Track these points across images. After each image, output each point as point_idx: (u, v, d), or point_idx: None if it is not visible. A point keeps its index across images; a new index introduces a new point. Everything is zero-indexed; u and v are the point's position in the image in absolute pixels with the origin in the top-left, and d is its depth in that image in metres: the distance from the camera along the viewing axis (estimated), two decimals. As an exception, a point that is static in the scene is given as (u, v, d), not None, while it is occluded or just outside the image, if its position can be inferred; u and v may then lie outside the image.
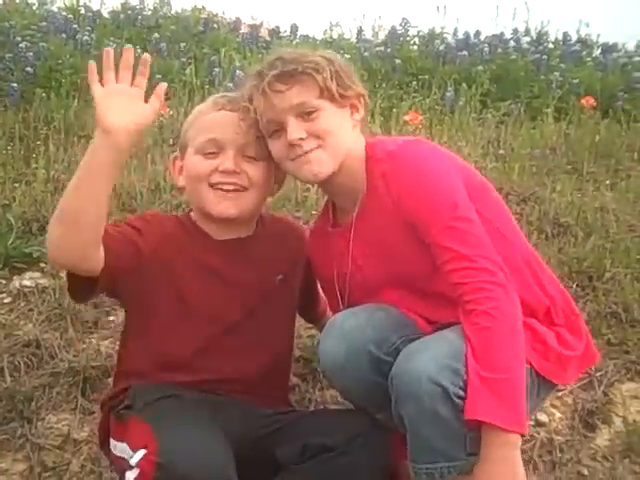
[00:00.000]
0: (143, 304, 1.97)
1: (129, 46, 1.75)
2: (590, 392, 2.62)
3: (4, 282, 3.01)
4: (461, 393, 1.66)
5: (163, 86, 1.77)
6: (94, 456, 2.28)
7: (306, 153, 1.87)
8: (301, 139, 1.86)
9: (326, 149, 1.87)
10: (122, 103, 1.68)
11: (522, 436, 1.72)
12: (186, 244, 2.00)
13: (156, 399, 1.86)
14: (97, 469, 2.26)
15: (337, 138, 1.89)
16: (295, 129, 1.85)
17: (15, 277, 3.03)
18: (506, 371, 1.68)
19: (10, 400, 2.42)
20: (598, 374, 2.66)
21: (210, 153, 1.97)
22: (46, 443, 2.32)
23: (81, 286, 1.86)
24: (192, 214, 2.08)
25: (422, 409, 1.66)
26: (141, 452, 1.66)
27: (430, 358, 1.68)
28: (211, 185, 1.96)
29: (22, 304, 2.86)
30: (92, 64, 1.71)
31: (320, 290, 2.26)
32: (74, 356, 2.61)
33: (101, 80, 1.70)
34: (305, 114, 1.86)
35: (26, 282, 2.96)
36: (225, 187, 1.96)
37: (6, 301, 2.93)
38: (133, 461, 1.67)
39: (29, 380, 2.51)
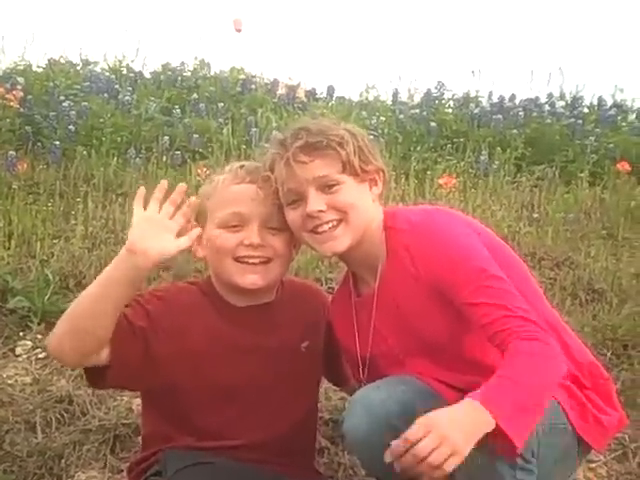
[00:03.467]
0: (161, 381, 1.96)
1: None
2: (624, 463, 2.57)
3: (39, 337, 3.05)
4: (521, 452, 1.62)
5: (197, 231, 1.85)
6: (121, 516, 2.28)
7: (325, 227, 1.89)
8: (320, 211, 1.88)
9: (347, 223, 1.89)
10: (154, 232, 1.77)
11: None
12: (205, 313, 2.01)
13: (187, 466, 1.85)
14: (124, 529, 2.26)
15: (358, 211, 1.90)
16: (316, 201, 1.87)
17: (51, 333, 3.06)
18: (532, 392, 1.66)
19: (41, 456, 2.43)
20: (633, 445, 2.61)
21: (233, 226, 1.98)
22: (75, 501, 2.33)
23: (95, 374, 1.90)
24: (213, 280, 2.08)
25: (479, 464, 1.61)
26: None
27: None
28: (236, 258, 1.97)
29: (56, 360, 2.89)
30: (142, 190, 1.82)
31: None
32: (105, 413, 2.63)
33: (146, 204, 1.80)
34: (326, 187, 1.88)
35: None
36: (251, 261, 1.97)
37: (41, 356, 2.97)
38: None
39: (60, 436, 2.53)
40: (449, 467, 1.54)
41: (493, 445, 1.60)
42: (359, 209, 1.91)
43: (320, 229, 1.90)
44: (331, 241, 1.90)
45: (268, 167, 1.94)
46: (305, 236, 1.94)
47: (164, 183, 1.82)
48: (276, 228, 1.98)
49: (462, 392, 1.82)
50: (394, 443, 1.59)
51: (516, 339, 1.70)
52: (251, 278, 1.97)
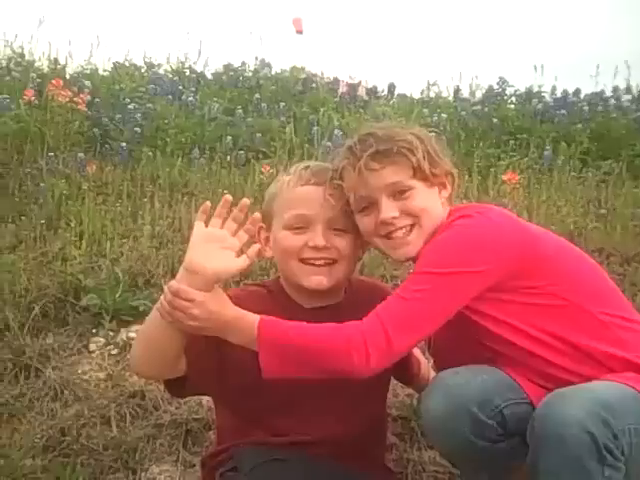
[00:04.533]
0: (235, 384, 1.99)
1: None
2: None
3: (111, 334, 3.13)
4: (610, 446, 1.61)
5: (256, 247, 1.85)
6: (195, 509, 2.33)
7: (399, 233, 1.91)
8: (394, 218, 1.89)
9: (420, 227, 1.91)
10: (214, 250, 1.78)
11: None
12: (275, 315, 2.01)
13: (263, 463, 1.89)
14: (197, 522, 2.30)
15: (429, 215, 1.92)
16: (388, 208, 1.89)
17: (122, 329, 3.15)
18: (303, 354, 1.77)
19: (116, 449, 2.49)
20: None
21: (298, 228, 1.99)
22: (148, 494, 2.38)
23: (176, 383, 1.95)
24: (282, 281, 2.11)
25: (566, 456, 1.62)
26: None
27: (579, 404, 1.64)
28: (301, 260, 1.99)
29: (128, 356, 2.95)
30: (207, 204, 1.83)
31: (414, 351, 2.27)
32: (176, 408, 2.68)
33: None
34: (397, 193, 1.90)
35: (132, 334, 3.06)
36: (316, 262, 1.98)
37: (113, 353, 3.04)
38: None
39: (134, 430, 2.59)
40: None
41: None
42: (431, 213, 1.92)
43: (394, 235, 1.92)
44: (405, 247, 1.92)
45: (338, 175, 1.96)
46: (378, 241, 1.96)
47: (228, 198, 1.82)
48: (341, 229, 2.00)
49: (544, 388, 1.83)
50: None
51: (357, 325, 1.77)
52: (316, 279, 1.98)
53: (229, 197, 1.82)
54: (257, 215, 1.87)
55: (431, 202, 1.94)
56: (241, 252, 1.81)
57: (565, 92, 6.77)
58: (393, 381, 2.44)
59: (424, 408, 1.87)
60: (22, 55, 6.96)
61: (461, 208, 2.01)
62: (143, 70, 7.31)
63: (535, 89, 6.95)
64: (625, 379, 1.77)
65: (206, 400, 2.70)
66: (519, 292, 1.86)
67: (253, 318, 1.79)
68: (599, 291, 1.94)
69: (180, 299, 1.73)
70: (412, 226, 1.91)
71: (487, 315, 1.87)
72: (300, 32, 7.39)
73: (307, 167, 2.06)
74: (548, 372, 1.86)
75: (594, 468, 1.61)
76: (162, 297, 1.77)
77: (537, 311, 1.86)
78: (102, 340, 3.11)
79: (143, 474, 2.44)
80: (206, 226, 1.80)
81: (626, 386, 1.74)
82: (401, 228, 1.91)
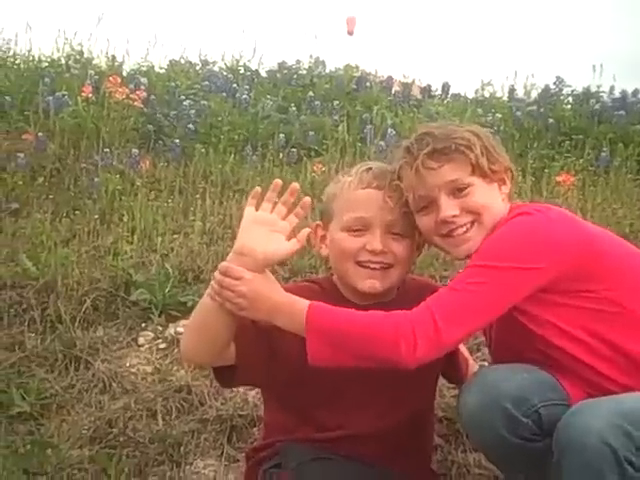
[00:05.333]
0: (284, 378, 1.98)
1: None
2: None
3: (160, 329, 3.16)
4: (632, 459, 1.59)
5: (306, 231, 1.87)
6: (238, 504, 2.34)
7: (460, 230, 1.89)
8: (455, 216, 1.88)
9: (480, 224, 1.90)
10: (264, 233, 1.81)
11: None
12: None
13: (307, 461, 1.90)
14: (240, 517, 2.31)
15: (490, 212, 1.90)
16: (449, 206, 1.88)
17: (170, 324, 3.18)
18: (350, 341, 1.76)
19: (161, 443, 2.52)
20: None
21: (357, 230, 1.99)
22: (193, 488, 2.40)
23: (225, 373, 1.96)
24: (334, 279, 2.11)
25: (586, 467, 1.61)
26: None
27: (601, 415, 1.62)
28: (357, 262, 1.99)
29: (176, 351, 2.99)
30: (257, 189, 1.86)
31: (463, 352, 2.26)
32: (222, 404, 2.70)
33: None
34: (457, 190, 1.89)
35: (180, 329, 3.09)
36: (372, 266, 1.99)
37: (161, 347, 3.08)
38: None
39: (179, 424, 2.62)
40: None
41: None
42: (491, 209, 1.91)
43: (455, 233, 1.91)
44: (465, 243, 1.91)
45: (396, 175, 1.96)
46: (438, 240, 1.95)
47: (278, 182, 1.85)
48: (399, 234, 1.99)
49: (587, 393, 1.80)
50: None
51: (406, 313, 1.76)
52: (370, 283, 1.99)
53: (279, 181, 1.84)
54: (307, 199, 1.87)
55: (491, 198, 1.93)
56: (292, 236, 1.83)
57: (624, 92, 6.63)
58: (440, 381, 2.43)
59: (461, 402, 1.88)
60: (81, 52, 7.07)
61: (521, 205, 2.01)
62: (198, 67, 7.38)
63: (593, 89, 6.81)
64: None
65: (252, 397, 2.71)
66: (573, 295, 1.83)
67: (303, 303, 1.79)
68: None
69: (229, 277, 1.75)
70: (472, 223, 1.90)
71: (536, 317, 1.85)
72: (351, 33, 7.38)
73: (369, 169, 2.06)
74: (594, 380, 1.83)
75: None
76: (212, 280, 1.80)
77: (590, 316, 1.83)
78: (151, 334, 3.15)
79: (187, 468, 2.46)
80: (256, 210, 1.83)
81: None
82: (462, 226, 1.90)
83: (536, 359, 1.88)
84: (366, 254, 1.98)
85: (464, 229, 1.90)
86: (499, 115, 6.17)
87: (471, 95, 7.22)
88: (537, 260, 1.79)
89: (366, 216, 1.98)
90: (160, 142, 5.57)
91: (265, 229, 1.81)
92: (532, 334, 1.87)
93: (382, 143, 5.17)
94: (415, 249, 2.06)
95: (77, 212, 4.28)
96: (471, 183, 1.89)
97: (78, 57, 6.97)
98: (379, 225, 1.98)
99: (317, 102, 6.38)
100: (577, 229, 1.89)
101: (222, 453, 2.52)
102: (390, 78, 7.20)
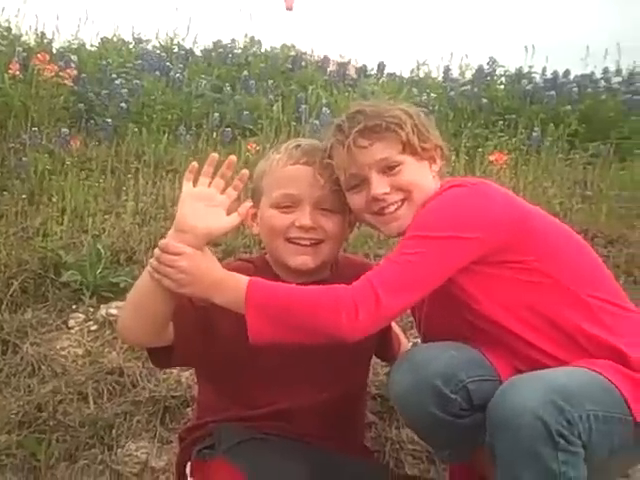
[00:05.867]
0: (221, 358, 1.98)
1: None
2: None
3: (91, 310, 3.10)
4: (564, 432, 1.61)
5: (247, 205, 1.86)
6: (171, 485, 2.32)
7: (391, 208, 1.90)
8: (385, 193, 1.89)
9: (411, 201, 1.90)
10: (203, 208, 1.79)
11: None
12: None
13: (243, 441, 1.89)
14: (173, 498, 2.29)
15: (420, 189, 1.91)
16: (379, 184, 1.89)
17: (102, 306, 3.12)
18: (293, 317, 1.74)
19: (92, 426, 2.49)
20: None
21: (286, 207, 1.98)
22: (125, 470, 2.38)
23: (160, 354, 1.93)
24: (268, 257, 2.10)
25: (519, 441, 1.62)
26: None
27: (535, 391, 1.64)
28: (287, 239, 1.98)
29: (107, 332, 2.94)
30: (194, 165, 1.82)
31: (395, 330, 2.27)
32: (155, 385, 2.67)
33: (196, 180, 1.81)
34: (387, 168, 1.90)
35: (112, 311, 3.04)
36: (302, 242, 1.98)
37: (92, 329, 3.02)
38: None
39: (111, 407, 2.58)
40: None
41: None
42: (422, 187, 1.92)
43: (386, 211, 1.92)
44: (396, 221, 1.92)
45: (327, 154, 1.95)
46: (369, 218, 1.96)
47: (215, 156, 1.82)
48: (329, 210, 1.99)
49: (515, 367, 1.82)
50: None
51: (346, 287, 1.75)
52: (301, 259, 1.98)
53: (215, 155, 1.82)
54: (245, 171, 1.85)
55: (422, 176, 1.94)
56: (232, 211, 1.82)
57: (555, 73, 6.74)
58: (374, 360, 2.44)
59: (392, 381, 1.88)
60: (8, 29, 6.85)
61: (453, 179, 2.02)
62: (131, 46, 7.24)
63: (525, 70, 6.91)
64: (596, 365, 1.75)
65: (185, 377, 2.69)
66: (504, 266, 1.84)
67: (243, 279, 1.77)
68: (585, 270, 1.92)
69: (169, 253, 1.73)
70: (403, 201, 1.91)
71: (468, 288, 1.86)
72: (290, 9, 7.34)
73: (298, 146, 2.05)
74: (524, 353, 1.85)
75: (548, 453, 1.61)
76: (152, 258, 1.77)
77: (521, 287, 1.85)
78: (82, 316, 3.09)
79: (119, 450, 2.44)
80: (194, 186, 1.80)
81: (593, 372, 1.73)
82: (393, 204, 1.91)
83: (465, 332, 1.90)
84: (296, 230, 1.97)
85: (395, 207, 1.90)
86: (434, 95, 6.22)
87: (406, 75, 7.26)
88: (472, 230, 1.80)
89: (295, 192, 1.97)
90: (91, 121, 5.47)
91: (204, 204, 1.79)
92: (462, 306, 1.88)
93: (317, 122, 5.15)
94: (346, 226, 2.05)
95: (5, 193, 4.16)
96: (402, 161, 1.90)
97: (5, 34, 6.75)
98: (308, 201, 1.97)
99: (252, 81, 6.34)
100: (510, 201, 1.91)
101: (155, 435, 2.49)
102: (326, 58, 7.19)
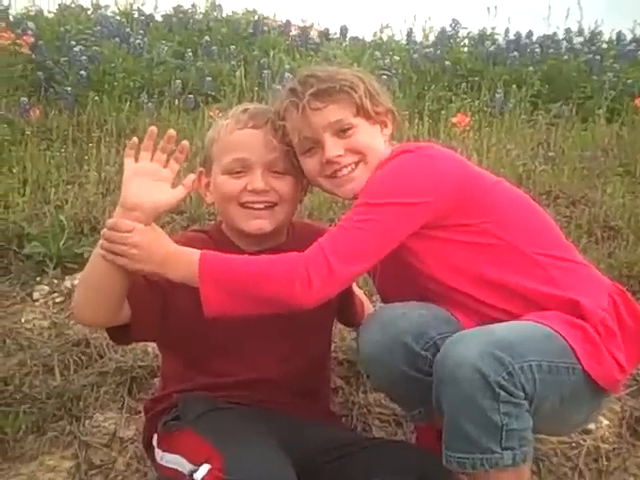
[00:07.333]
0: (180, 331, 1.98)
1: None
2: (639, 399, 2.57)
3: (56, 282, 3.08)
4: (503, 382, 1.63)
5: (191, 177, 1.83)
6: (140, 455, 2.32)
7: (345, 171, 1.91)
8: (339, 156, 1.90)
9: (365, 164, 1.92)
10: (148, 184, 1.76)
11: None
12: None
13: (208, 411, 1.89)
14: (142, 468, 2.29)
15: (374, 152, 1.93)
16: (333, 147, 1.89)
17: (67, 277, 3.10)
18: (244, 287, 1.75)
19: (59, 398, 2.47)
20: (647, 381, 2.61)
21: (237, 172, 1.97)
22: (93, 441, 2.36)
23: (119, 331, 1.92)
24: (223, 226, 2.09)
25: (460, 395, 1.65)
26: (205, 467, 1.70)
27: (474, 345, 1.66)
28: (241, 204, 1.97)
29: (73, 304, 2.91)
30: (134, 140, 1.80)
31: (356, 292, 2.28)
32: (121, 356, 2.66)
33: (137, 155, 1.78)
34: (341, 131, 1.90)
35: (77, 282, 3.01)
36: (256, 206, 1.97)
37: (57, 300, 3.00)
38: (198, 476, 1.70)
39: (78, 379, 2.56)
40: None
41: None
42: (375, 150, 1.93)
43: (339, 173, 1.92)
44: (350, 183, 1.93)
45: (280, 117, 1.94)
46: (323, 182, 1.96)
47: (153, 129, 1.79)
48: (280, 172, 1.98)
49: (479, 324, 1.85)
50: None
51: (298, 254, 1.76)
52: (257, 223, 1.98)
53: (154, 129, 1.79)
54: (185, 142, 1.83)
55: (374, 139, 1.96)
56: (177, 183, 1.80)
57: (518, 34, 6.76)
58: (340, 325, 2.46)
59: (361, 341, 1.90)
60: (-38, -5, 6.73)
61: (403, 145, 2.02)
62: (90, 12, 7.09)
63: (488, 31, 6.92)
64: (543, 317, 1.78)
65: (152, 347, 2.68)
66: (451, 229, 1.87)
67: (195, 253, 1.77)
68: (533, 229, 1.94)
69: (119, 231, 1.71)
70: (357, 163, 1.92)
71: (417, 252, 1.89)
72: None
73: (245, 110, 2.03)
74: (478, 310, 1.88)
75: (488, 405, 1.63)
76: (101, 237, 1.74)
77: (467, 249, 1.87)
78: (46, 288, 3.06)
79: (87, 422, 2.42)
80: (136, 162, 1.78)
81: (538, 324, 1.76)
82: (346, 166, 1.92)
83: (419, 292, 1.93)
84: (248, 195, 1.97)
85: (349, 169, 1.91)
86: (397, 58, 6.20)
87: (369, 38, 7.22)
88: (420, 194, 1.82)
89: (245, 157, 1.96)
90: (51, 90, 5.37)
91: (148, 179, 1.76)
92: (414, 269, 1.91)
93: (280, 87, 5.11)
94: (300, 188, 2.05)
95: (-37, 164, 4.10)
96: (355, 124, 1.91)
97: (-41, 0, 6.63)
98: (259, 164, 1.96)
99: (214, 47, 6.27)
100: (459, 165, 1.94)
101: (123, 405, 2.48)
102: (288, 22, 7.13)
